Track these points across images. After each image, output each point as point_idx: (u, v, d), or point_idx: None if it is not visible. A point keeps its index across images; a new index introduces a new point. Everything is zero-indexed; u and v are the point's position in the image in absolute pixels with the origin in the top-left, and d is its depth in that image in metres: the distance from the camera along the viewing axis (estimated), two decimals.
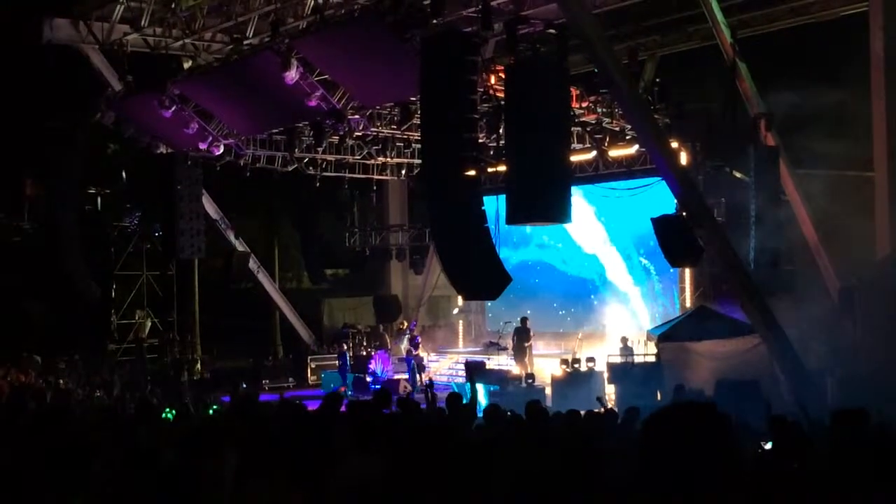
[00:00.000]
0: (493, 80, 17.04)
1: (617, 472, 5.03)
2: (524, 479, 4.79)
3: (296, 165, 24.57)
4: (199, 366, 27.15)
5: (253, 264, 28.17)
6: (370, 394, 22.31)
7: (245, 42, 20.33)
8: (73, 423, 8.69)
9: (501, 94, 16.49)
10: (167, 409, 9.77)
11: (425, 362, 24.14)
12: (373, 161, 25.44)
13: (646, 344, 20.87)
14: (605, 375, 19.61)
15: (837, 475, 5.35)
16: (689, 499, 2.61)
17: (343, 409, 8.60)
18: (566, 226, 21.61)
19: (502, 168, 17.75)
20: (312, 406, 9.70)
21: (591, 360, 20.34)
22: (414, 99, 17.96)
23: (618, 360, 20.24)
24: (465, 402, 10.39)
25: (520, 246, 26.50)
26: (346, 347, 25.60)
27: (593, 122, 20.13)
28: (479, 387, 16.99)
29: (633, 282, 24.56)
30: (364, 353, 25.36)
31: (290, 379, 26.00)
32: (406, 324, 26.84)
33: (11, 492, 5.35)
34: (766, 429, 8.35)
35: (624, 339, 21.86)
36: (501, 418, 9.57)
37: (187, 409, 12.72)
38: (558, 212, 15.61)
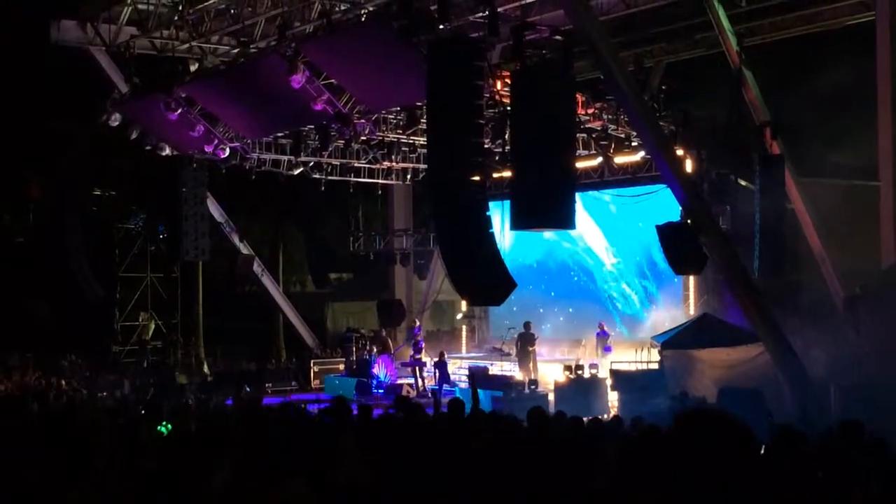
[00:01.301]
0: (499, 85, 17.02)
1: (616, 475, 5.03)
2: (524, 480, 4.80)
3: (301, 169, 24.57)
4: (205, 368, 27.15)
5: (257, 267, 28.20)
6: (373, 398, 22.34)
7: (252, 45, 20.37)
8: (75, 423, 8.70)
9: (507, 100, 16.48)
10: (164, 423, 9.68)
11: (427, 367, 24.09)
12: (378, 165, 25.43)
13: (649, 351, 20.85)
14: (609, 382, 19.60)
15: (835, 484, 5.35)
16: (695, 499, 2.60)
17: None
18: (570, 232, 21.59)
19: (507, 173, 17.74)
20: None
21: (594, 366, 20.34)
22: (420, 104, 17.96)
23: (617, 364, 20.29)
24: (468, 407, 10.39)
25: (525, 252, 26.47)
26: (374, 351, 25.06)
27: (599, 128, 20.12)
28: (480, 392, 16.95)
29: (637, 289, 24.53)
30: (367, 358, 25.31)
31: (293, 382, 25.97)
32: (418, 321, 26.87)
33: (12, 491, 5.35)
34: (767, 437, 8.33)
35: (601, 325, 22.01)
36: (501, 423, 9.56)
37: (187, 411, 12.67)
38: (563, 218, 15.61)
